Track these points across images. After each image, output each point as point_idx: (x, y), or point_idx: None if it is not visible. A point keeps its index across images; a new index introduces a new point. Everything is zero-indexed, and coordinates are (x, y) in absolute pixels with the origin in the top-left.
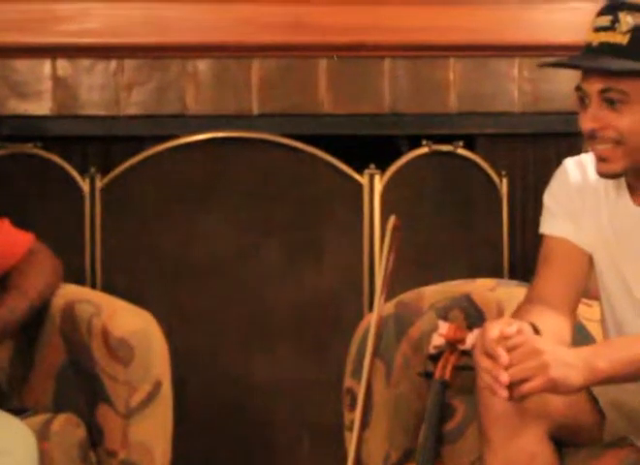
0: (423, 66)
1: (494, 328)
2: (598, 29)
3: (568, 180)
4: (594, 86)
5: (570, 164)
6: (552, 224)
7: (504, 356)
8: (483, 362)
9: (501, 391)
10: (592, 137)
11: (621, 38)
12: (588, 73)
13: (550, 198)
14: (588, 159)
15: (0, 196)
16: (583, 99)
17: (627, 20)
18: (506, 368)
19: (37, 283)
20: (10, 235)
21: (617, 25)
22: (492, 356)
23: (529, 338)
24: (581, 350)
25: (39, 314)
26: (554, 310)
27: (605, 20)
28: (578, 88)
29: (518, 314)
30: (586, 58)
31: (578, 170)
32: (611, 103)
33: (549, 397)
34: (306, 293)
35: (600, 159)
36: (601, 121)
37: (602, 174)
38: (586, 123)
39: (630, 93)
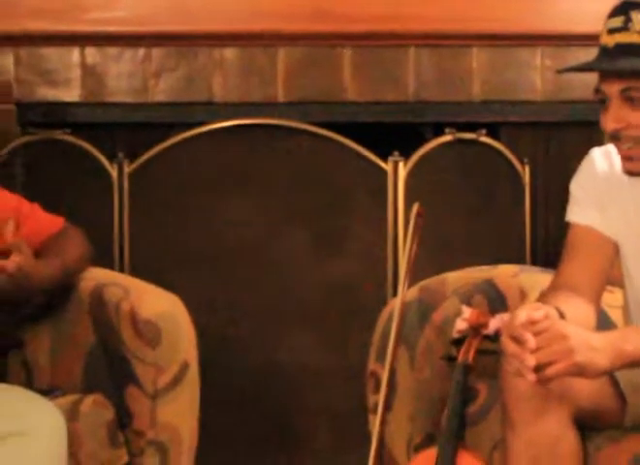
0: (447, 55)
1: (521, 314)
2: (612, 31)
3: (595, 170)
4: (614, 87)
5: (597, 153)
6: (578, 212)
7: (532, 341)
8: (510, 347)
9: (529, 375)
10: (616, 137)
11: (636, 37)
12: (606, 74)
13: (577, 187)
14: (614, 149)
15: (30, 181)
16: (604, 100)
17: None
18: (533, 352)
19: (71, 252)
20: (41, 218)
21: (630, 25)
22: (519, 341)
23: (556, 323)
24: (608, 334)
25: (69, 296)
26: (579, 296)
27: (618, 21)
28: (597, 90)
29: (543, 299)
30: (604, 60)
31: (605, 159)
32: (632, 102)
33: (573, 381)
34: (331, 277)
35: (627, 158)
36: (623, 121)
37: (629, 173)
38: (608, 124)
39: None
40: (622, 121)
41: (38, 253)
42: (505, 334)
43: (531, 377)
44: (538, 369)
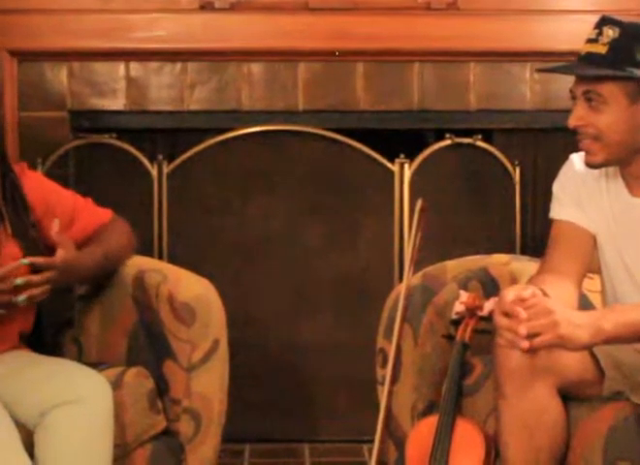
0: (447, 69)
1: (510, 292)
2: (587, 41)
3: (574, 172)
4: (579, 89)
5: (576, 158)
6: (560, 210)
7: (523, 313)
8: (502, 321)
9: (522, 343)
10: (577, 132)
11: (601, 48)
12: (576, 77)
13: (558, 187)
14: None
15: (81, 179)
16: (574, 99)
17: (609, 33)
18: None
19: (115, 240)
20: (93, 211)
21: (600, 37)
22: (510, 315)
23: (543, 300)
24: (588, 312)
25: (114, 280)
26: (562, 279)
27: (593, 33)
28: (570, 91)
29: (532, 283)
30: (573, 66)
31: (583, 163)
32: (591, 103)
33: (558, 355)
34: (345, 266)
35: (585, 151)
36: (583, 119)
37: (587, 164)
38: (571, 120)
39: (606, 95)
40: (581, 119)
41: (88, 241)
42: (497, 311)
43: (524, 344)
44: (527, 339)
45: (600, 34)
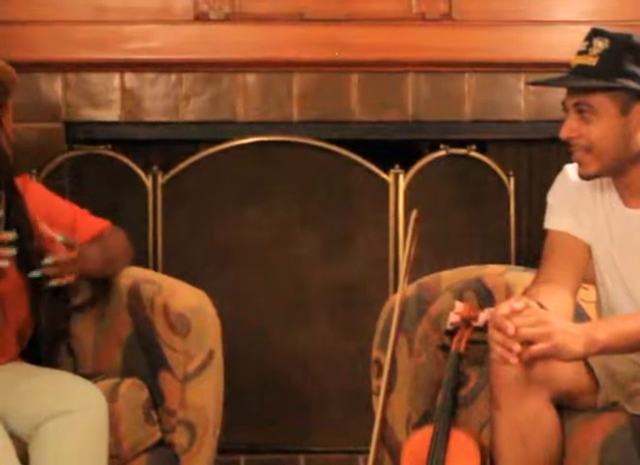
0: (441, 80)
1: (504, 306)
2: (578, 53)
3: (568, 182)
4: (570, 100)
5: (570, 168)
6: (555, 220)
7: (510, 328)
8: (494, 335)
9: (512, 358)
10: (569, 144)
11: (591, 60)
12: (567, 89)
13: (553, 197)
14: None
15: (76, 191)
16: (565, 111)
17: (598, 45)
18: (513, 338)
19: (110, 244)
20: (90, 221)
21: (590, 49)
22: (501, 330)
23: (539, 311)
24: (583, 324)
25: (109, 292)
26: (558, 290)
27: (584, 45)
28: (563, 103)
29: (527, 294)
30: (564, 78)
31: (577, 173)
32: (582, 114)
33: (552, 366)
34: (339, 276)
35: (577, 163)
36: (574, 131)
37: (580, 176)
38: (562, 132)
39: (597, 107)
40: (573, 131)
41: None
42: (491, 326)
43: (514, 360)
44: (521, 350)
45: (590, 46)
